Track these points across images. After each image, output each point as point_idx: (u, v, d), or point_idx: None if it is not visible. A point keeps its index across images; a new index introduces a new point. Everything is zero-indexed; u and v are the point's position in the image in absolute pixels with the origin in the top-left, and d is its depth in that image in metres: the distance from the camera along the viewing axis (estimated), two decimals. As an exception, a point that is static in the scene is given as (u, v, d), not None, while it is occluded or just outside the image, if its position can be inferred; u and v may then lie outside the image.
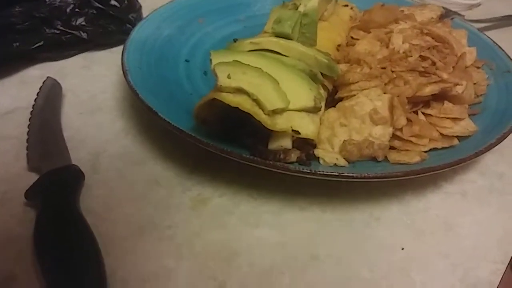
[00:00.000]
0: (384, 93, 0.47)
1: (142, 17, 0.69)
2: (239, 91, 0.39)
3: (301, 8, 0.51)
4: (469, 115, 0.49)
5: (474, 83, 0.54)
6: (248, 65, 0.41)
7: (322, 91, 0.47)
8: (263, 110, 0.39)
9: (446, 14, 0.68)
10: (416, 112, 0.48)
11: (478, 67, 0.58)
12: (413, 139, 0.45)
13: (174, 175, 0.46)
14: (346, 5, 0.64)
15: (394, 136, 0.46)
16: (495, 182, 0.48)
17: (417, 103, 0.48)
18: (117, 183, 0.44)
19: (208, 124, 0.43)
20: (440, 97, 0.48)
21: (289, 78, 0.43)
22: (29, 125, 0.49)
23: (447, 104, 0.48)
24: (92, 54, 0.65)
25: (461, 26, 0.65)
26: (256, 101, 0.39)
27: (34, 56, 0.61)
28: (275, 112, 0.40)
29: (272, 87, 0.41)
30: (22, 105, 0.53)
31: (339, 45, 0.55)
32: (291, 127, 0.40)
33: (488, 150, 0.44)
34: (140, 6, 0.70)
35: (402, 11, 0.64)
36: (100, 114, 0.54)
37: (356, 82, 0.48)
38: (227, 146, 0.41)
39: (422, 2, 0.79)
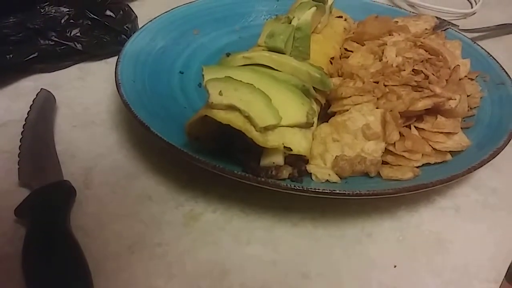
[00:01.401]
0: (377, 107, 0.47)
1: (137, 28, 0.69)
2: (231, 107, 0.39)
3: (294, 22, 0.51)
4: (462, 128, 0.49)
5: (468, 96, 0.54)
6: (240, 81, 0.41)
7: (315, 105, 0.46)
8: (254, 127, 0.39)
9: (440, 25, 0.68)
10: (409, 127, 0.47)
11: (472, 79, 0.58)
12: (405, 154, 0.45)
13: (167, 190, 0.46)
14: (340, 17, 0.64)
15: (386, 151, 0.46)
16: (489, 197, 0.48)
17: (410, 117, 0.48)
18: (109, 199, 0.44)
19: (200, 140, 0.43)
20: (433, 111, 0.48)
21: (282, 94, 0.43)
22: (21, 138, 0.49)
23: (440, 119, 0.48)
24: (87, 65, 0.65)
25: (455, 37, 0.65)
26: (248, 118, 0.39)
27: (27, 68, 0.60)
28: (266, 129, 0.39)
29: (264, 104, 0.41)
30: (15, 117, 0.52)
31: (332, 58, 0.55)
32: (283, 143, 0.40)
33: (482, 165, 0.44)
34: (136, 17, 0.70)
35: (397, 22, 0.64)
36: (93, 127, 0.54)
37: (349, 97, 0.48)
38: (219, 163, 0.41)
39: (417, 12, 0.80)
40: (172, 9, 0.68)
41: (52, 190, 0.42)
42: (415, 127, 0.47)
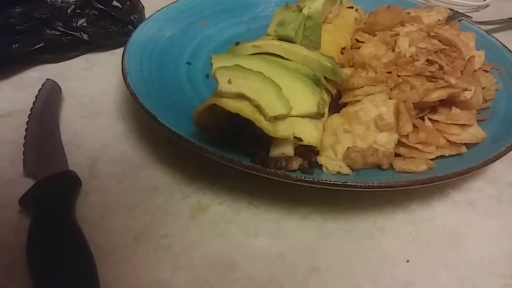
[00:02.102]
0: (390, 98, 0.46)
1: (144, 18, 0.68)
2: (240, 96, 0.38)
3: (305, 11, 0.50)
4: (477, 121, 0.48)
5: (483, 88, 0.53)
6: (250, 69, 0.40)
7: (325, 96, 0.45)
8: (264, 117, 0.38)
9: (453, 16, 0.66)
10: (422, 118, 0.46)
11: (487, 71, 0.56)
12: (419, 146, 0.44)
13: (174, 181, 0.45)
14: (351, 7, 0.63)
15: (399, 143, 0.44)
16: (504, 191, 0.46)
17: (424, 108, 0.46)
18: (115, 190, 0.43)
19: (208, 130, 0.42)
20: (447, 102, 0.47)
21: (292, 83, 0.42)
22: (26, 128, 0.48)
23: (454, 110, 0.46)
24: (93, 56, 0.64)
25: (469, 29, 0.63)
26: (257, 107, 0.38)
27: (33, 58, 0.60)
28: (276, 119, 0.38)
29: (274, 93, 0.39)
30: (20, 108, 0.52)
31: (343, 48, 0.54)
32: (293, 134, 0.39)
33: (498, 158, 0.42)
34: (143, 7, 0.69)
35: (409, 13, 0.63)
36: (100, 117, 0.53)
37: (361, 87, 0.46)
38: (227, 153, 0.40)
39: (429, 4, 0.78)
40: (179, -1, 0.67)
41: (57, 180, 0.41)
42: (429, 118, 0.46)
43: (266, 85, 0.40)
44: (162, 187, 0.44)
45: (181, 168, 0.46)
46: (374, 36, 0.58)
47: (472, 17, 0.74)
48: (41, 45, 0.59)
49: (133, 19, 0.66)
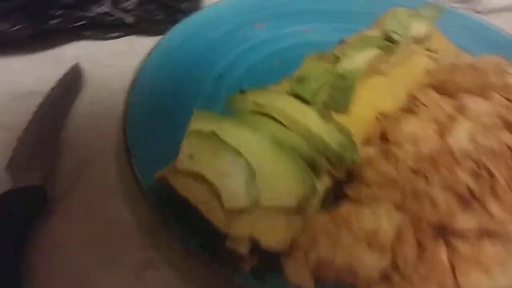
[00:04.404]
0: (400, 206, 0.36)
1: (199, 7, 0.63)
2: (199, 176, 0.33)
3: (341, 65, 0.41)
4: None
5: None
6: (225, 142, 0.34)
7: (324, 181, 0.38)
8: (221, 206, 0.33)
9: None
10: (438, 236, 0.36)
11: None
12: (415, 277, 0.35)
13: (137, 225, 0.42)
14: (427, 51, 0.51)
15: (393, 265, 0.36)
16: None
17: (443, 230, 0.36)
18: (80, 216, 0.42)
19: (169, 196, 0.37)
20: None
21: (278, 165, 0.35)
22: (30, 120, 0.48)
23: (486, 243, 0.36)
24: (137, 40, 0.61)
25: None
26: (216, 194, 0.33)
27: (73, 34, 0.59)
28: (233, 211, 0.33)
29: (244, 178, 0.33)
30: (39, 89, 0.51)
31: (382, 113, 0.44)
32: (250, 233, 0.33)
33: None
34: (199, -5, 0.64)
35: (500, 71, 0.48)
36: (106, 118, 0.51)
37: (371, 185, 0.37)
38: (183, 224, 0.36)
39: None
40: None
41: (20, 196, 0.40)
42: (445, 241, 0.36)
43: (237, 166, 0.33)
44: (125, 227, 0.42)
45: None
46: (440, 96, 0.46)
47: None
48: (83, 22, 0.58)
49: (185, 8, 0.61)
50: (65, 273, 0.38)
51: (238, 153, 0.34)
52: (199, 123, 0.35)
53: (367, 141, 0.41)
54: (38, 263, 0.38)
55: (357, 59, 0.41)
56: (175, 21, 0.58)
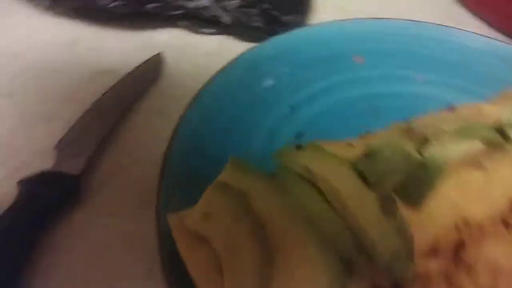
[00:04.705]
0: None
1: (304, 23, 0.57)
2: (208, 243, 0.28)
3: (429, 151, 0.32)
4: None
5: None
6: (249, 207, 0.28)
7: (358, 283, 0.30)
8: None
9: None
10: None
11: None
12: None
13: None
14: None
15: None
16: None
17: None
18: (101, 221, 0.40)
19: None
20: None
21: (304, 252, 0.29)
22: (95, 101, 0.47)
23: None
24: (227, 42, 0.58)
25: None
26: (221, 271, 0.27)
27: (167, 21, 0.57)
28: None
29: (257, 261, 0.28)
30: (118, 68, 0.50)
31: (465, 219, 0.34)
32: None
33: None
34: (307, 10, 0.57)
35: None
36: (168, 119, 0.48)
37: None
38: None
39: None
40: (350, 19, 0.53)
41: (52, 179, 0.39)
42: None
43: (249, 243, 0.28)
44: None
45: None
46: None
47: None
48: (180, 12, 0.56)
49: (287, 21, 0.56)
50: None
51: (261, 226, 0.28)
52: (231, 174, 0.30)
53: (433, 251, 0.32)
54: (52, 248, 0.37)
55: (451, 149, 0.32)
56: (273, 32, 0.53)
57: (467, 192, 0.34)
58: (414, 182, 0.32)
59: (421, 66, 0.52)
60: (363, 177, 0.32)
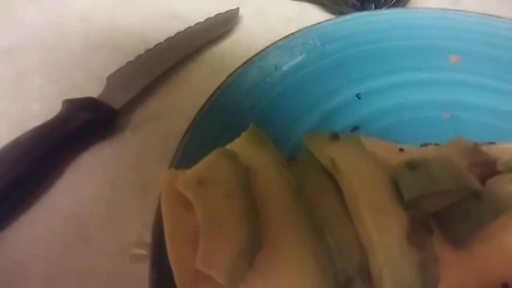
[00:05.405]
0: None
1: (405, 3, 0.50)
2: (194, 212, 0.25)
3: (495, 180, 0.25)
4: None
5: None
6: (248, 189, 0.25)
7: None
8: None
9: None
10: None
11: None
12: None
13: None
14: None
15: None
16: None
17: None
18: (126, 159, 0.39)
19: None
20: None
21: (300, 257, 0.24)
22: (158, 43, 0.46)
23: None
24: (309, 9, 0.52)
25: None
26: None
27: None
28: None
29: (242, 247, 0.24)
30: (192, 17, 0.48)
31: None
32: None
33: None
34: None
35: None
36: (218, 77, 0.44)
37: None
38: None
39: None
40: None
41: (95, 108, 0.39)
42: None
43: (237, 225, 0.24)
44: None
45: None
46: None
47: None
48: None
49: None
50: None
51: (255, 211, 0.24)
52: (244, 145, 0.26)
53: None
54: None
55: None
56: (358, 8, 0.47)
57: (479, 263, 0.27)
58: (464, 213, 0.25)
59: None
60: (398, 190, 0.26)
